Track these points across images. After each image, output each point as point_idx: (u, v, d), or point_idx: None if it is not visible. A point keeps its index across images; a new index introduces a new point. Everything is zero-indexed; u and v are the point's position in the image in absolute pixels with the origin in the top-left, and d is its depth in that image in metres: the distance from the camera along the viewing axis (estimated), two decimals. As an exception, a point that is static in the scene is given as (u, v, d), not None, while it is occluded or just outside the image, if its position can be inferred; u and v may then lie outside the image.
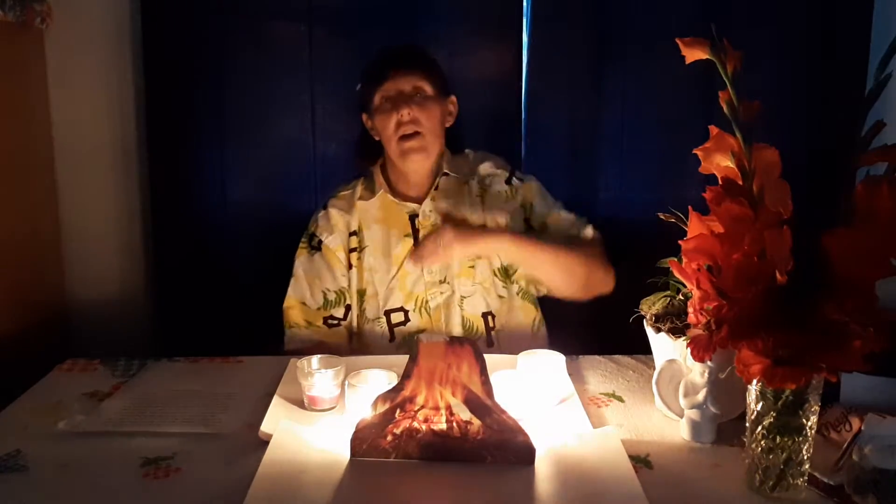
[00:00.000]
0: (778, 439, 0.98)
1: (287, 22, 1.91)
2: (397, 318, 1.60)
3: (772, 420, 0.97)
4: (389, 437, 1.07)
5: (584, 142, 1.97)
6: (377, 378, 1.20)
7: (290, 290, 1.61)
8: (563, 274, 1.55)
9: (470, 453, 1.07)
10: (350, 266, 1.62)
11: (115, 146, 1.92)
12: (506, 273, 1.62)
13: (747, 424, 1.01)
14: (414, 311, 1.60)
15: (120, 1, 1.85)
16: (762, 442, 0.99)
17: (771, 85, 1.84)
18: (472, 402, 1.06)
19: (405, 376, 1.06)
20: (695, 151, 1.02)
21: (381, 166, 1.65)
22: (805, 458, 0.98)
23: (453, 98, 1.63)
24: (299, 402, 1.26)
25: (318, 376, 1.24)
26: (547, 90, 1.95)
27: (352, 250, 1.62)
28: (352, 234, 1.62)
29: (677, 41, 0.98)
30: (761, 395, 0.98)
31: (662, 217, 1.18)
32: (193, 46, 1.87)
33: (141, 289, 1.97)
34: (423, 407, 1.06)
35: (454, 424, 1.07)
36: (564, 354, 1.32)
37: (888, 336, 0.89)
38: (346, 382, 1.19)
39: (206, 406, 1.26)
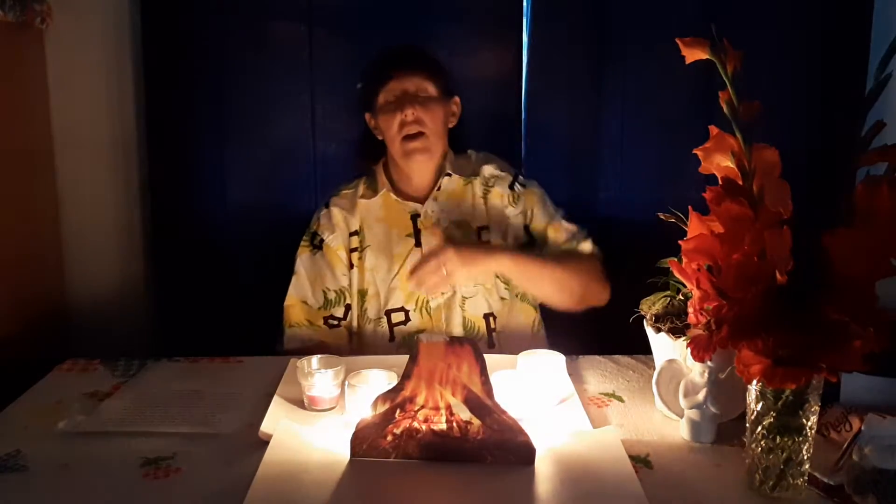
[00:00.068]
0: (778, 439, 0.98)
1: (287, 22, 1.91)
2: (398, 317, 1.60)
3: (772, 420, 0.97)
4: (389, 437, 1.07)
5: (584, 142, 1.97)
6: (377, 378, 1.20)
7: (290, 289, 1.61)
8: (559, 290, 1.56)
9: (470, 453, 1.07)
10: (351, 266, 1.62)
11: (115, 146, 1.92)
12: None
13: (747, 424, 1.01)
14: (414, 311, 1.60)
15: (120, 1, 1.85)
16: (762, 442, 0.99)
17: (771, 85, 1.84)
18: (472, 402, 1.06)
19: (405, 376, 1.06)
20: (695, 151, 1.02)
21: (384, 165, 1.65)
22: (805, 458, 0.98)
23: (457, 99, 1.63)
24: (299, 402, 1.26)
25: (318, 376, 1.24)
26: (547, 90, 1.95)
27: (353, 250, 1.62)
28: (353, 233, 1.62)
29: (677, 41, 0.98)
30: (761, 395, 0.98)
31: (662, 217, 1.18)
32: (193, 46, 1.87)
33: (141, 289, 1.97)
34: (423, 407, 1.06)
35: (454, 424, 1.07)
36: (564, 354, 1.32)
37: (888, 336, 0.89)
38: (346, 382, 1.18)
39: (206, 406, 1.26)
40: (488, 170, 1.64)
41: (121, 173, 1.93)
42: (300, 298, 1.60)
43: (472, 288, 1.60)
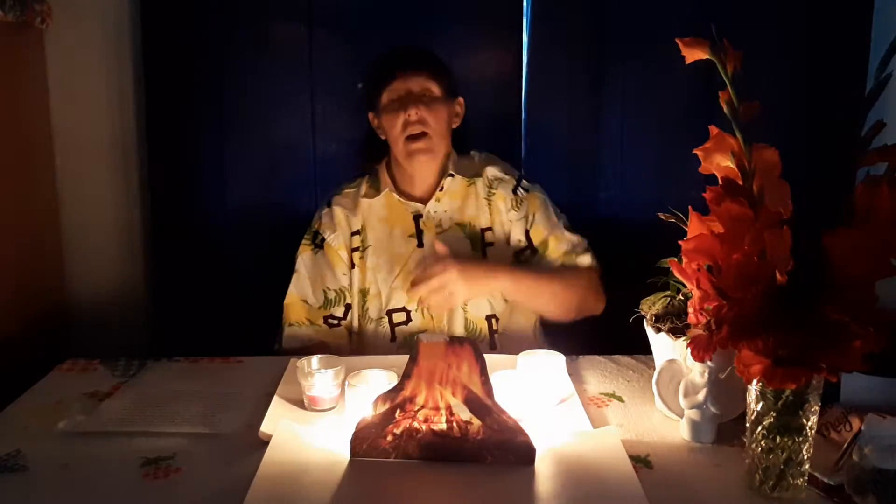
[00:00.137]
0: (778, 439, 0.98)
1: (287, 22, 1.91)
2: (399, 318, 1.60)
3: (772, 420, 0.97)
4: (389, 437, 1.07)
5: (584, 142, 1.97)
6: (377, 378, 1.20)
7: (291, 287, 1.61)
8: (555, 306, 1.57)
9: (470, 453, 1.07)
10: (353, 265, 1.62)
11: (115, 146, 1.92)
12: None
13: (747, 424, 1.01)
14: (416, 311, 1.60)
15: (120, 1, 1.85)
16: (762, 442, 0.99)
17: (771, 85, 1.84)
18: (472, 402, 1.06)
19: (405, 376, 1.06)
20: (695, 151, 1.02)
21: (387, 165, 1.65)
22: (805, 458, 0.98)
23: (461, 99, 1.63)
24: (299, 402, 1.26)
25: (318, 376, 1.24)
26: (547, 90, 1.95)
27: (354, 249, 1.62)
28: (355, 233, 1.62)
29: (677, 41, 0.98)
30: (761, 395, 0.98)
31: (662, 217, 1.18)
32: (193, 46, 1.87)
33: (141, 289, 1.97)
34: (423, 407, 1.06)
35: (454, 424, 1.07)
36: (564, 354, 1.32)
37: (888, 336, 0.89)
38: (346, 382, 1.18)
39: (206, 406, 1.26)
40: (492, 172, 1.64)
41: (121, 173, 1.93)
42: (300, 297, 1.60)
43: None
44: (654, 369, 1.23)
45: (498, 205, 1.62)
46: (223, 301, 1.93)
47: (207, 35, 1.87)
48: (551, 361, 1.30)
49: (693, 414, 1.14)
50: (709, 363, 1.09)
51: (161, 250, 1.94)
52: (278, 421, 1.16)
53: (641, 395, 1.30)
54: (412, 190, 1.63)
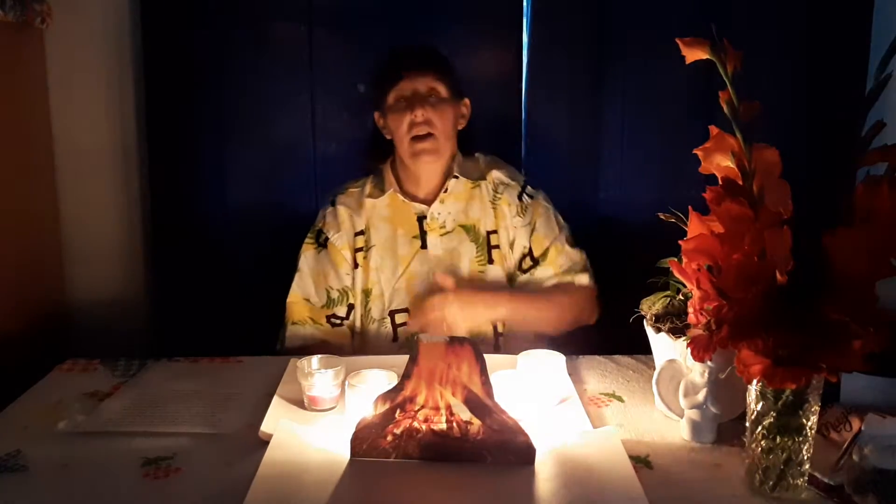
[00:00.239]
0: (778, 439, 0.98)
1: (287, 22, 1.91)
2: (401, 318, 1.60)
3: (772, 420, 0.97)
4: (389, 437, 1.07)
5: (584, 142, 1.97)
6: (377, 378, 1.20)
7: (294, 286, 1.61)
8: (552, 327, 1.57)
9: (470, 453, 1.07)
10: (356, 265, 1.61)
11: (115, 146, 1.92)
12: (511, 280, 1.62)
13: (747, 424, 1.01)
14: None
15: (120, 1, 1.85)
16: (762, 442, 0.99)
17: (771, 85, 1.84)
18: (472, 402, 1.06)
19: (405, 376, 1.06)
20: (695, 151, 1.02)
21: (391, 165, 1.65)
22: (805, 458, 0.98)
23: (467, 101, 1.63)
24: (299, 402, 1.26)
25: (318, 376, 1.24)
26: (547, 90, 1.95)
27: (358, 250, 1.62)
28: (358, 233, 1.62)
29: (677, 41, 0.98)
30: (761, 395, 0.98)
31: (662, 217, 1.18)
32: (193, 46, 1.87)
33: (141, 289, 1.97)
34: (423, 407, 1.06)
35: (454, 424, 1.07)
36: (564, 354, 1.32)
37: (888, 336, 0.89)
38: (346, 382, 1.18)
39: (206, 406, 1.26)
40: (497, 175, 1.64)
41: (121, 173, 1.93)
42: (303, 296, 1.60)
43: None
44: (654, 369, 1.23)
45: (503, 209, 1.62)
46: (223, 301, 1.93)
47: (207, 35, 1.87)
48: (551, 361, 1.30)
49: (693, 414, 1.14)
50: (709, 363, 1.09)
51: (161, 250, 1.94)
52: (278, 421, 1.16)
53: (641, 395, 1.30)
54: (416, 191, 1.63)
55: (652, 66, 1.88)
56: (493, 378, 1.07)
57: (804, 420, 0.97)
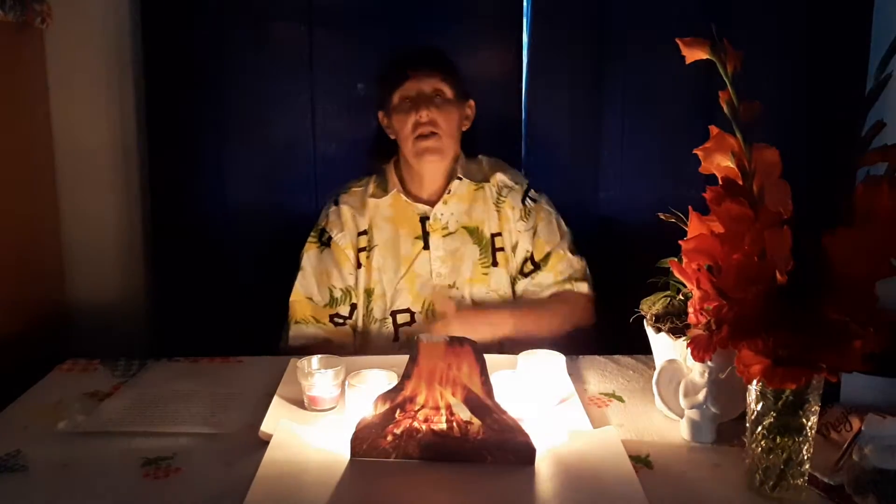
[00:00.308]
0: (778, 439, 0.98)
1: (287, 22, 1.91)
2: (403, 318, 1.60)
3: (772, 420, 0.97)
4: (389, 437, 1.07)
5: (584, 142, 1.97)
6: (377, 378, 1.20)
7: (297, 285, 1.61)
8: (552, 332, 1.55)
9: (470, 453, 1.07)
10: (359, 265, 1.61)
11: (116, 146, 1.92)
12: (511, 284, 1.62)
13: (747, 424, 1.01)
14: (420, 313, 1.60)
15: (120, 1, 1.85)
16: (762, 442, 0.99)
17: (771, 85, 1.84)
18: (472, 402, 1.06)
19: (405, 376, 1.06)
20: (695, 151, 1.02)
21: (395, 165, 1.65)
22: (805, 458, 0.98)
23: (471, 102, 1.63)
24: (299, 402, 1.26)
25: (318, 376, 1.24)
26: (547, 90, 1.95)
27: (361, 249, 1.62)
28: (361, 233, 1.62)
29: (677, 41, 0.98)
30: (761, 395, 0.98)
31: (662, 217, 1.18)
32: (193, 46, 1.87)
33: (141, 289, 1.97)
34: (423, 407, 1.06)
35: (454, 424, 1.07)
36: (564, 354, 1.32)
37: (888, 336, 0.89)
38: (346, 382, 1.18)
39: (206, 406, 1.26)
40: (501, 178, 1.64)
41: (121, 172, 1.93)
42: (306, 294, 1.60)
43: (485, 294, 1.60)
44: (654, 369, 1.23)
45: (507, 212, 1.62)
46: (223, 301, 1.93)
47: (207, 35, 1.87)
48: (551, 361, 1.30)
49: (693, 414, 1.14)
50: (709, 363, 1.09)
51: (161, 250, 1.94)
52: (278, 421, 1.16)
53: (641, 395, 1.30)
54: (420, 191, 1.63)
55: (652, 66, 1.88)
56: (493, 378, 1.07)
57: (804, 420, 0.97)
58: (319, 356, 1.28)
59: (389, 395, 1.07)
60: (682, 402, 1.14)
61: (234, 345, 1.53)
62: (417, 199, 1.62)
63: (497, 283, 1.61)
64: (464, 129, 1.62)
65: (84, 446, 1.14)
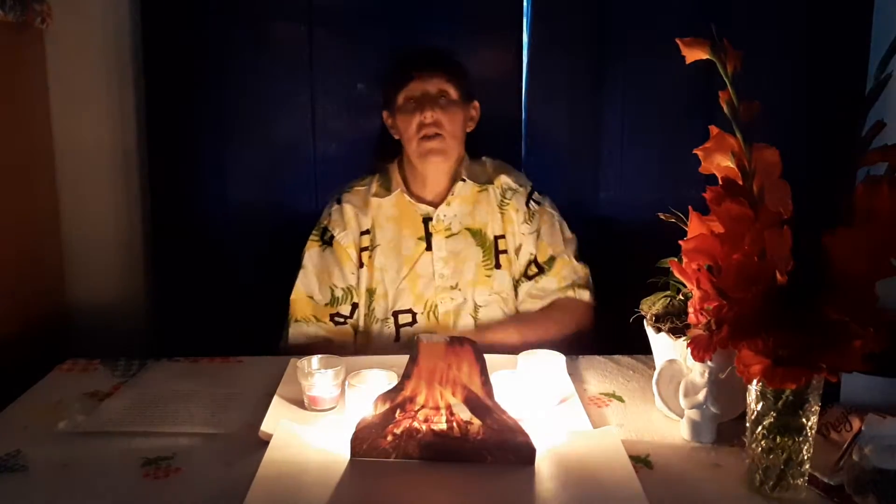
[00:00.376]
0: (778, 439, 0.98)
1: (287, 22, 1.91)
2: (405, 319, 1.60)
3: (772, 420, 0.97)
4: (389, 437, 1.07)
5: (584, 142, 1.97)
6: (377, 378, 1.20)
7: (298, 283, 1.60)
8: (552, 339, 1.54)
9: (470, 453, 1.07)
10: (361, 264, 1.61)
11: (116, 146, 1.91)
12: (515, 287, 1.62)
13: (747, 424, 1.01)
14: (422, 313, 1.59)
15: (120, 1, 1.85)
16: (762, 442, 0.99)
17: (771, 85, 1.84)
18: (472, 402, 1.06)
19: (405, 376, 1.06)
20: (695, 151, 1.02)
21: (399, 165, 1.65)
22: (805, 458, 0.98)
23: (476, 103, 1.63)
24: (299, 402, 1.26)
25: (318, 376, 1.24)
26: (547, 90, 1.95)
27: (363, 249, 1.61)
28: (364, 232, 1.62)
29: (677, 41, 0.98)
30: (761, 395, 0.98)
31: (662, 217, 1.18)
32: (193, 46, 1.87)
33: (141, 289, 1.97)
34: (423, 407, 1.06)
35: (454, 424, 1.07)
36: (564, 354, 1.32)
37: (888, 336, 0.89)
38: (346, 382, 1.18)
39: (206, 406, 1.26)
40: (505, 181, 1.64)
41: (121, 172, 1.93)
42: (307, 293, 1.60)
43: (488, 297, 1.60)
44: (654, 369, 1.23)
45: (511, 215, 1.62)
46: (223, 301, 1.93)
47: (207, 35, 1.87)
48: (551, 361, 1.30)
49: (693, 414, 1.14)
50: (709, 363, 1.09)
51: (161, 250, 1.94)
52: (278, 421, 1.16)
53: (641, 395, 1.30)
54: (423, 192, 1.63)
55: (652, 66, 1.88)
56: (493, 378, 1.07)
57: (804, 420, 0.97)
58: (319, 356, 1.28)
59: (389, 395, 1.07)
60: (682, 402, 1.14)
61: (234, 345, 1.53)
62: (420, 200, 1.62)
63: (500, 286, 1.61)
64: (468, 130, 1.62)
65: (84, 446, 1.14)
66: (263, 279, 1.85)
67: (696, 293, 1.01)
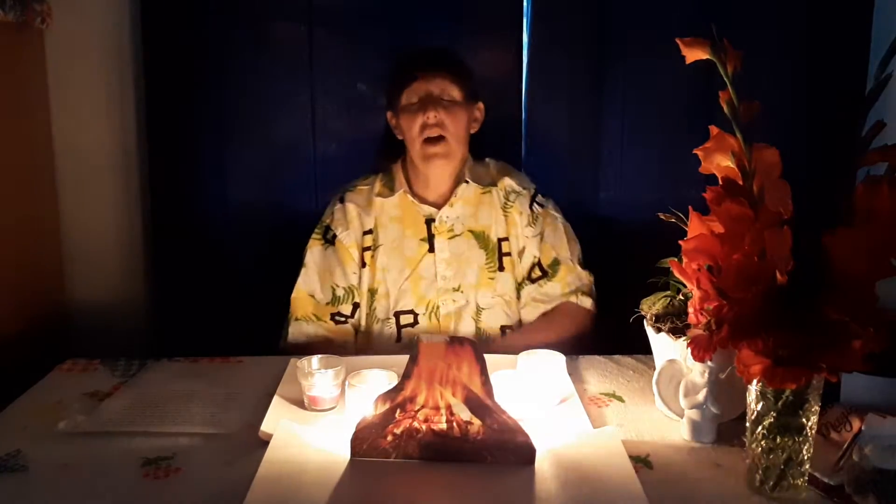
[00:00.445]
0: (778, 439, 0.98)
1: (287, 22, 1.91)
2: (406, 319, 1.60)
3: (772, 420, 0.97)
4: (389, 437, 1.07)
5: (584, 142, 1.97)
6: (377, 378, 1.20)
7: (299, 281, 1.60)
8: (554, 343, 1.54)
9: (470, 453, 1.07)
10: (363, 264, 1.61)
11: (115, 146, 1.92)
12: (518, 290, 1.62)
13: (747, 424, 1.01)
14: (424, 315, 1.59)
15: (120, 1, 1.85)
16: (762, 442, 0.99)
17: (771, 85, 1.84)
18: (472, 402, 1.06)
19: (405, 376, 1.06)
20: (695, 151, 1.02)
21: (402, 165, 1.65)
22: (805, 458, 0.98)
23: (480, 105, 1.63)
24: (299, 402, 1.26)
25: (318, 376, 1.24)
26: (547, 90, 1.95)
27: (366, 248, 1.61)
28: (367, 232, 1.62)
29: (677, 41, 0.99)
30: (761, 395, 0.98)
31: (662, 217, 1.18)
32: (193, 46, 1.87)
33: (141, 289, 1.97)
34: (423, 407, 1.06)
35: (454, 424, 1.07)
36: (564, 354, 1.32)
37: (888, 336, 0.89)
38: (346, 382, 1.19)
39: (206, 406, 1.26)
40: (508, 183, 1.64)
41: (121, 172, 1.93)
42: (308, 292, 1.60)
43: (490, 299, 1.60)
44: (654, 369, 1.23)
45: (514, 217, 1.62)
46: (223, 301, 1.93)
47: (207, 35, 1.87)
48: (551, 361, 1.30)
49: (693, 414, 1.14)
50: (709, 363, 1.09)
51: (161, 250, 1.94)
52: (278, 421, 1.16)
53: (641, 395, 1.30)
54: (426, 193, 1.63)
55: (652, 66, 1.88)
56: (493, 378, 1.07)
57: (804, 420, 0.97)
58: (319, 356, 1.28)
59: (389, 395, 1.07)
60: (682, 402, 1.14)
61: (234, 345, 1.53)
62: (424, 201, 1.62)
63: (503, 289, 1.61)
64: (472, 131, 1.62)
65: (84, 446, 1.14)
66: (263, 279, 1.85)
67: (696, 293, 1.01)
